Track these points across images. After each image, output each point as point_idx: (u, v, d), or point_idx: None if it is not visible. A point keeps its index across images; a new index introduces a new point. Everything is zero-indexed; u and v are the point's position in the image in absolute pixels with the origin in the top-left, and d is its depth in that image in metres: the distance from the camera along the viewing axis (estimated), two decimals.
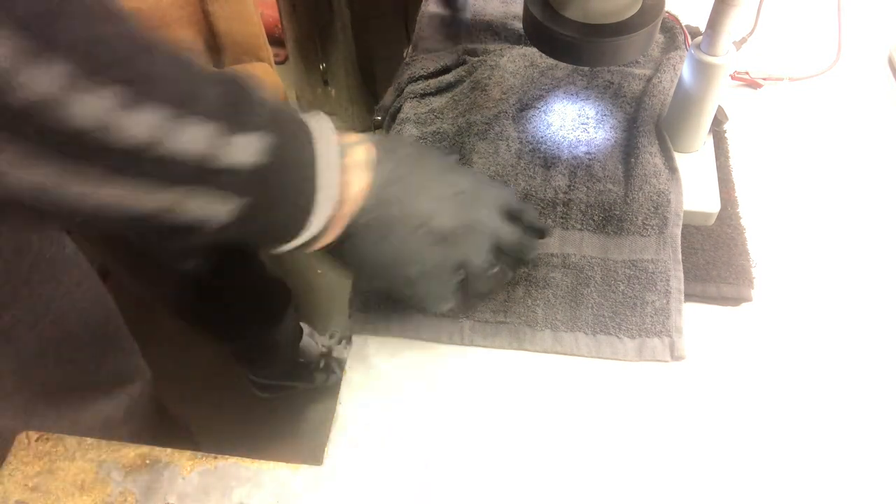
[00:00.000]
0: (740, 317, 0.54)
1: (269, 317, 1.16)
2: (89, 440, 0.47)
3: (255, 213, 0.34)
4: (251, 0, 1.16)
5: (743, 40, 0.62)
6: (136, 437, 0.76)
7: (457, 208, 0.43)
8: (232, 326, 1.12)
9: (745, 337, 0.53)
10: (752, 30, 0.60)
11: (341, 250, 0.41)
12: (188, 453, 0.47)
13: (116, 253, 0.86)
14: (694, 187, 0.58)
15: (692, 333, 0.53)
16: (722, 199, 0.57)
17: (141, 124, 0.28)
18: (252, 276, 1.09)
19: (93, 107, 0.26)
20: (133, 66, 0.28)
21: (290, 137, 0.35)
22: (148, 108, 0.28)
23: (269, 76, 1.24)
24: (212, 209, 0.32)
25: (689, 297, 0.54)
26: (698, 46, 0.53)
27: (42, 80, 0.25)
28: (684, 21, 0.68)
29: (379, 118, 0.68)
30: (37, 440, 0.47)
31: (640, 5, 0.50)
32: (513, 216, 0.48)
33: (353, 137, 0.41)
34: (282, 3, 1.56)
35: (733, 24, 0.50)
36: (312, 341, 1.34)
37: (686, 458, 0.47)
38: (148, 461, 0.47)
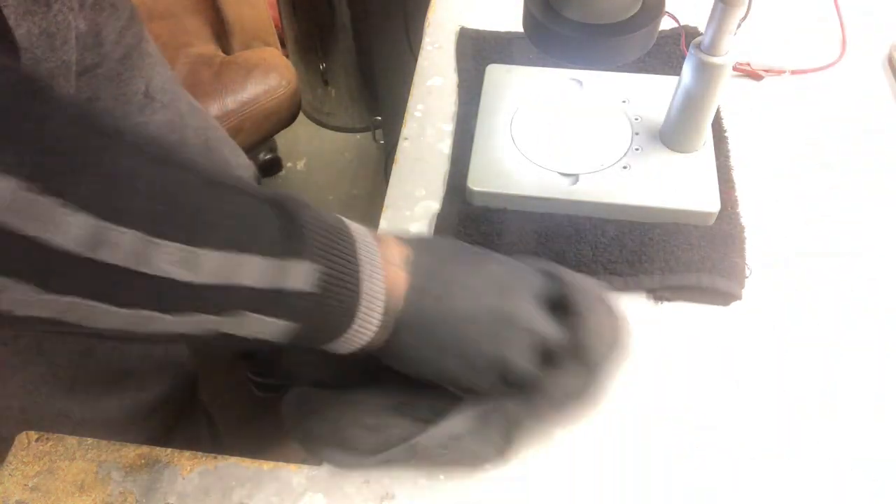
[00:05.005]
0: (732, 317, 0.54)
1: None
2: (89, 440, 0.47)
3: (306, 332, 0.34)
4: None
5: (738, 26, 0.61)
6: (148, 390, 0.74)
7: (494, 304, 0.39)
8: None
9: (737, 339, 0.53)
10: (746, 14, 0.59)
11: (386, 351, 0.39)
12: (188, 453, 0.47)
13: None
14: (694, 187, 0.58)
15: (682, 334, 0.53)
16: (721, 198, 0.57)
17: (201, 271, 0.29)
18: None
19: (160, 263, 0.27)
20: (191, 216, 0.29)
21: (339, 260, 0.34)
22: (206, 257, 0.29)
23: (277, 59, 1.25)
24: (263, 331, 0.33)
25: (683, 288, 0.54)
26: (698, 46, 0.53)
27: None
28: (684, 21, 0.68)
29: (378, 118, 0.68)
30: (37, 440, 0.47)
31: (640, 5, 0.50)
32: (556, 304, 0.41)
33: (388, 239, 0.39)
34: (282, 3, 1.56)
35: (733, 24, 0.50)
36: None
37: (679, 458, 0.47)
38: (148, 461, 0.47)
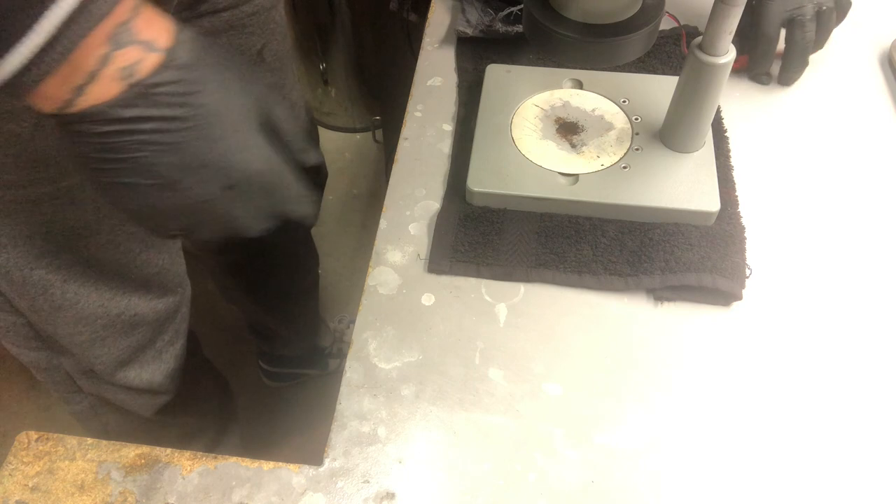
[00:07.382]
0: (732, 317, 0.54)
1: (302, 288, 1.17)
2: (89, 440, 0.47)
3: None
4: None
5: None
6: (165, 353, 0.74)
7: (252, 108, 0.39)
8: (267, 291, 1.12)
9: (737, 339, 0.53)
10: None
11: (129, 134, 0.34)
12: (188, 453, 0.47)
13: None
14: (694, 187, 0.58)
15: (682, 334, 0.53)
16: (721, 198, 0.57)
17: None
18: (300, 242, 1.10)
19: None
20: None
21: None
22: None
23: None
24: None
25: (684, 289, 0.54)
26: (698, 46, 0.53)
27: None
28: (684, 21, 0.68)
29: (378, 118, 0.69)
30: (37, 440, 0.47)
31: (640, 5, 0.50)
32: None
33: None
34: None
35: (733, 24, 0.50)
36: (325, 327, 1.37)
37: (679, 458, 0.47)
38: (148, 461, 0.47)
